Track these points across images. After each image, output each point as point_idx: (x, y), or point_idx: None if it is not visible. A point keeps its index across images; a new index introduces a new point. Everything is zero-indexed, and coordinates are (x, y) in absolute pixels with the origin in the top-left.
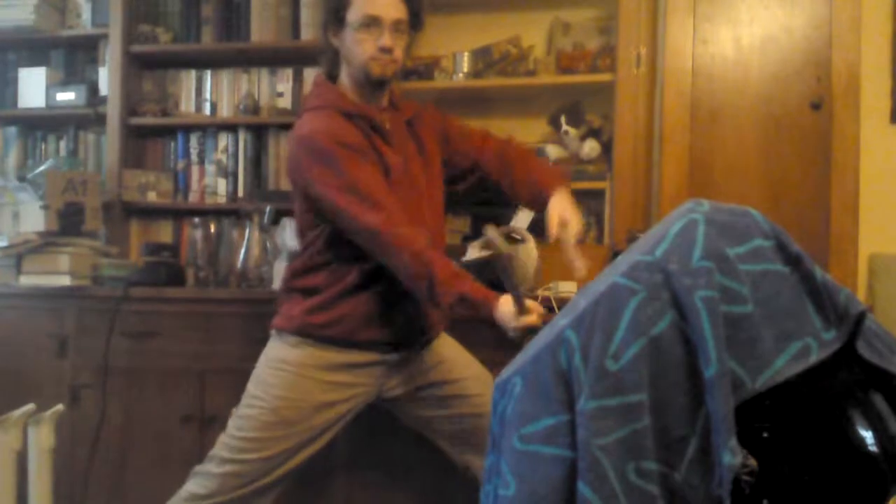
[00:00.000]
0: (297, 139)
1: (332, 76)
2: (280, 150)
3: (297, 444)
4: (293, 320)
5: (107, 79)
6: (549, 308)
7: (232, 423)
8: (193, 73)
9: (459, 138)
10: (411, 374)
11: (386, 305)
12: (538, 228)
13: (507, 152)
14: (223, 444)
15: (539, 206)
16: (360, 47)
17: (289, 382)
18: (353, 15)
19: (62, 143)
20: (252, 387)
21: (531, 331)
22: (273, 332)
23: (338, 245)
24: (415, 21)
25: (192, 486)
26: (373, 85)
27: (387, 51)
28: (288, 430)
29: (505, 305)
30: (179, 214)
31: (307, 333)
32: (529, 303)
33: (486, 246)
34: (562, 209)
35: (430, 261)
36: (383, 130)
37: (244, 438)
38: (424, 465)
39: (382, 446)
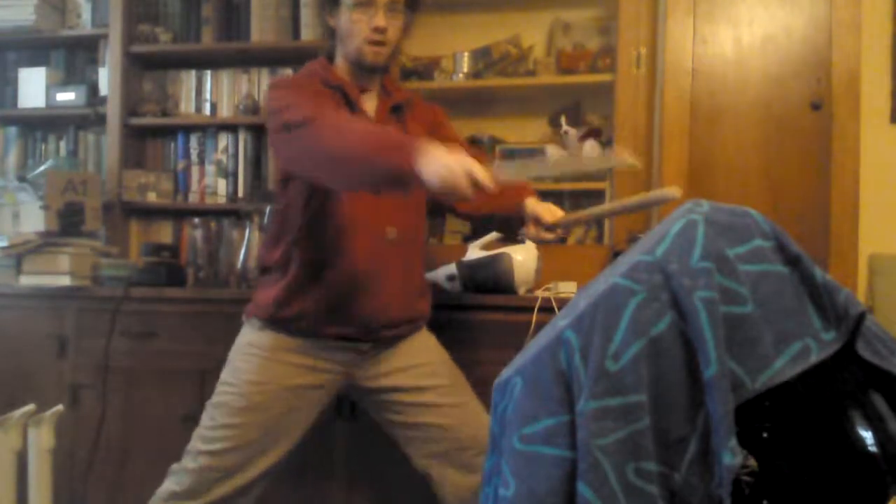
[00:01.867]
0: (270, 88)
1: (330, 57)
2: None
3: (270, 432)
4: (260, 309)
5: (107, 79)
6: (549, 308)
7: (205, 414)
8: (193, 73)
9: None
10: (385, 370)
11: (340, 303)
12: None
13: None
14: (197, 436)
15: (514, 211)
16: (354, 27)
17: (257, 366)
18: None
19: (62, 143)
20: (224, 374)
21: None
22: (244, 318)
23: (294, 216)
24: (412, 1)
25: (170, 483)
26: (365, 70)
27: (380, 31)
28: (259, 416)
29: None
30: (179, 214)
31: (274, 322)
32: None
33: None
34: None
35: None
36: (358, 109)
37: (216, 427)
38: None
39: (383, 450)
